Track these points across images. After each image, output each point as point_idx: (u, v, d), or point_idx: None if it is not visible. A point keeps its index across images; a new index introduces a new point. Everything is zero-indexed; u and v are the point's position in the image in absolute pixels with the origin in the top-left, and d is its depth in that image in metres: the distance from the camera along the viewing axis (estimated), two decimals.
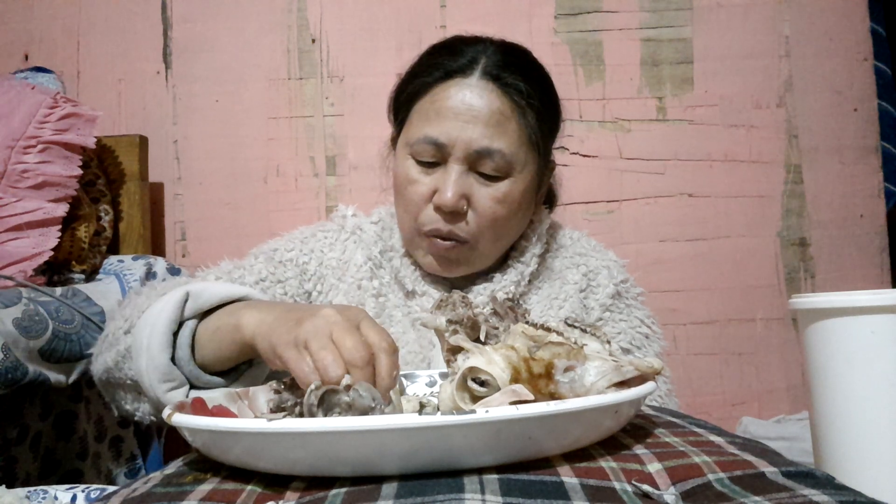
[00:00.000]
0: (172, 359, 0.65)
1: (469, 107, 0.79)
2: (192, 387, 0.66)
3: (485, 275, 0.88)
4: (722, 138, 1.55)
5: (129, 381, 0.68)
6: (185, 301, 0.66)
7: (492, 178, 0.81)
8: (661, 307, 1.09)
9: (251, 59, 1.55)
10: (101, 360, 0.72)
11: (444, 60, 0.82)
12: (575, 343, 0.45)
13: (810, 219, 1.55)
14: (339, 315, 0.55)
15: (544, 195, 0.93)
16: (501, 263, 0.90)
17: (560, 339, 0.45)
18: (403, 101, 0.86)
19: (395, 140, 0.90)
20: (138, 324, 0.67)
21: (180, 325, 0.67)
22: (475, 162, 0.80)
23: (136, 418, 0.72)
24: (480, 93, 0.79)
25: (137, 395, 0.70)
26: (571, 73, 1.55)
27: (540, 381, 0.44)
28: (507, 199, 0.81)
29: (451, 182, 0.79)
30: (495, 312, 0.53)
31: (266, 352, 0.58)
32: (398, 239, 0.89)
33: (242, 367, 0.69)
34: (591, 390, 0.44)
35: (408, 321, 0.85)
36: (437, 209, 0.81)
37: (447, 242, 0.82)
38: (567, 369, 0.44)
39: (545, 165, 0.89)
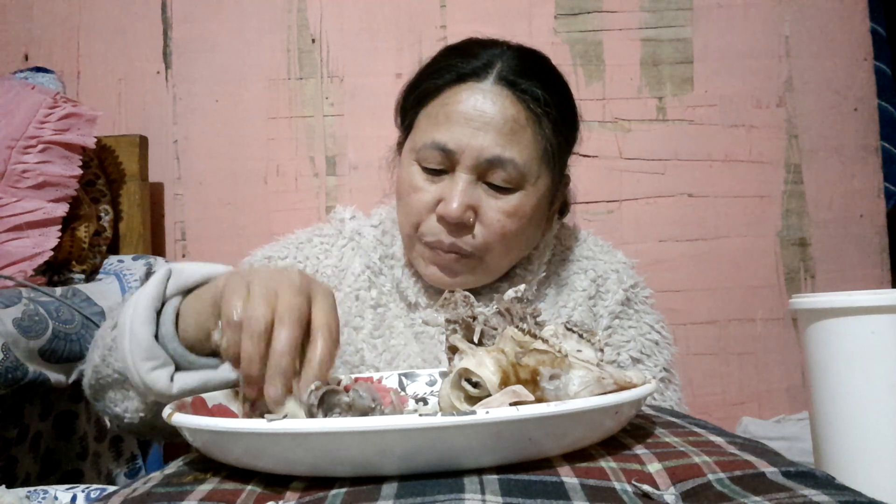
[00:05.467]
0: (156, 336, 0.59)
1: (481, 113, 0.74)
2: (179, 368, 0.60)
3: (490, 286, 0.84)
4: (722, 138, 1.55)
5: (115, 375, 0.64)
6: (168, 280, 0.62)
7: (502, 190, 0.76)
8: (661, 307, 1.08)
9: (251, 59, 1.55)
10: (90, 363, 0.69)
11: (456, 62, 0.78)
12: (559, 352, 0.44)
13: (810, 219, 1.55)
14: (302, 280, 0.51)
15: (557, 210, 0.88)
16: (508, 272, 0.85)
17: (545, 346, 0.44)
18: (411, 104, 0.82)
19: (401, 145, 0.85)
20: (122, 311, 0.62)
21: (163, 305, 0.61)
22: (485, 171, 0.75)
23: (125, 421, 0.66)
24: (494, 98, 0.75)
25: (125, 392, 0.65)
26: (571, 73, 1.55)
27: (527, 386, 0.44)
28: (517, 213, 0.76)
29: (457, 192, 0.74)
30: (499, 312, 0.53)
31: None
32: (399, 247, 0.85)
33: None
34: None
35: (410, 333, 0.81)
36: (441, 220, 0.76)
37: (450, 255, 0.77)
38: (552, 377, 0.44)
39: (559, 179, 0.83)
